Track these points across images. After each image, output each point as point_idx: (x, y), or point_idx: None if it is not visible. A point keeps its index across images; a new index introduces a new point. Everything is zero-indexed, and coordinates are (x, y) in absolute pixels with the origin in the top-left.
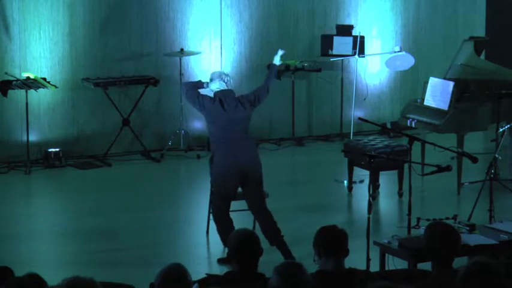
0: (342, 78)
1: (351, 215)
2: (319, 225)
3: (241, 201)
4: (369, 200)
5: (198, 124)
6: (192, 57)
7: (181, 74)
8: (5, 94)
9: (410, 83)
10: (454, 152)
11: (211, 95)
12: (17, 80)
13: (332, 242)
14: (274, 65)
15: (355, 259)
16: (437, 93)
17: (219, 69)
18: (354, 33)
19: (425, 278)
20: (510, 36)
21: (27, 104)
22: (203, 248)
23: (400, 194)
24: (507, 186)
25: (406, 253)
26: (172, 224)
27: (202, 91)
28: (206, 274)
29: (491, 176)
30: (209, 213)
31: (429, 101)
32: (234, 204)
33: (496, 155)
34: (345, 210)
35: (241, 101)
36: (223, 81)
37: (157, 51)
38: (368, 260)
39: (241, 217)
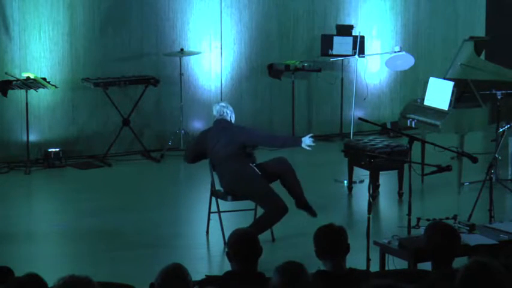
0: (342, 78)
1: (351, 215)
2: (319, 225)
3: (241, 201)
4: (369, 200)
5: (198, 124)
6: (192, 57)
7: (181, 74)
8: (5, 94)
9: (410, 83)
10: (454, 152)
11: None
12: (17, 80)
13: (328, 241)
14: (300, 141)
15: (355, 259)
16: (437, 93)
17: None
18: (354, 33)
19: (425, 278)
20: (510, 36)
21: (27, 104)
22: (203, 248)
23: (400, 194)
24: (507, 186)
25: (406, 253)
26: (172, 224)
27: None
28: (206, 275)
29: (491, 176)
30: (209, 213)
31: (429, 101)
32: (235, 204)
33: (496, 155)
34: (345, 210)
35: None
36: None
37: (157, 51)
38: (368, 260)
39: (241, 217)
